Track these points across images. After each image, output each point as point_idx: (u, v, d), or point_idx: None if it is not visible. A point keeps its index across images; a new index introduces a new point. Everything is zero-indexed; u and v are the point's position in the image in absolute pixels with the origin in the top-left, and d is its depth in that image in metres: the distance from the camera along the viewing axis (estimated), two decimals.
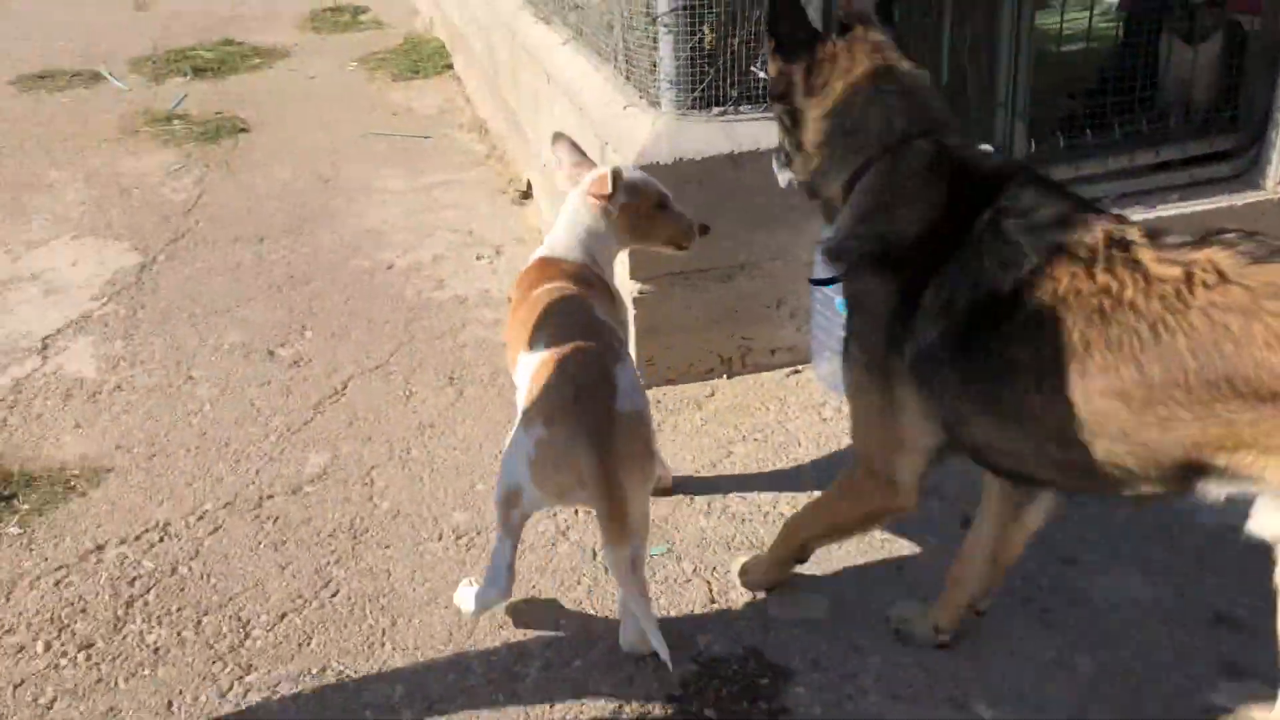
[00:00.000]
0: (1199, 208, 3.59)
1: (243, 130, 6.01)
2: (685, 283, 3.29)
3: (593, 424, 2.15)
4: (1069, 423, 1.86)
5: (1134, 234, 1.88)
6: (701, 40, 3.08)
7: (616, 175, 2.55)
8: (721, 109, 3.19)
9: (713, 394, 3.39)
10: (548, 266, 2.60)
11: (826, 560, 2.67)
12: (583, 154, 2.73)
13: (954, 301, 1.96)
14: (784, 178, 2.36)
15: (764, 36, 2.34)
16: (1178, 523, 2.74)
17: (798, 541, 2.49)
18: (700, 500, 2.92)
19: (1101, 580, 2.59)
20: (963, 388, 1.99)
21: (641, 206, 2.63)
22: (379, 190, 5.13)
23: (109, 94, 6.81)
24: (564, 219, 2.66)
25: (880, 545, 2.72)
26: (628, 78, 3.43)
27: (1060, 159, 3.50)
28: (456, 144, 5.70)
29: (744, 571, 2.60)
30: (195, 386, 3.56)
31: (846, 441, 3.09)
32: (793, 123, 2.21)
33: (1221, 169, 3.71)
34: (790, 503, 2.87)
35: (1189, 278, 1.76)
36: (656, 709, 2.30)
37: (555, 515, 2.87)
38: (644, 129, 3.18)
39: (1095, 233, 1.88)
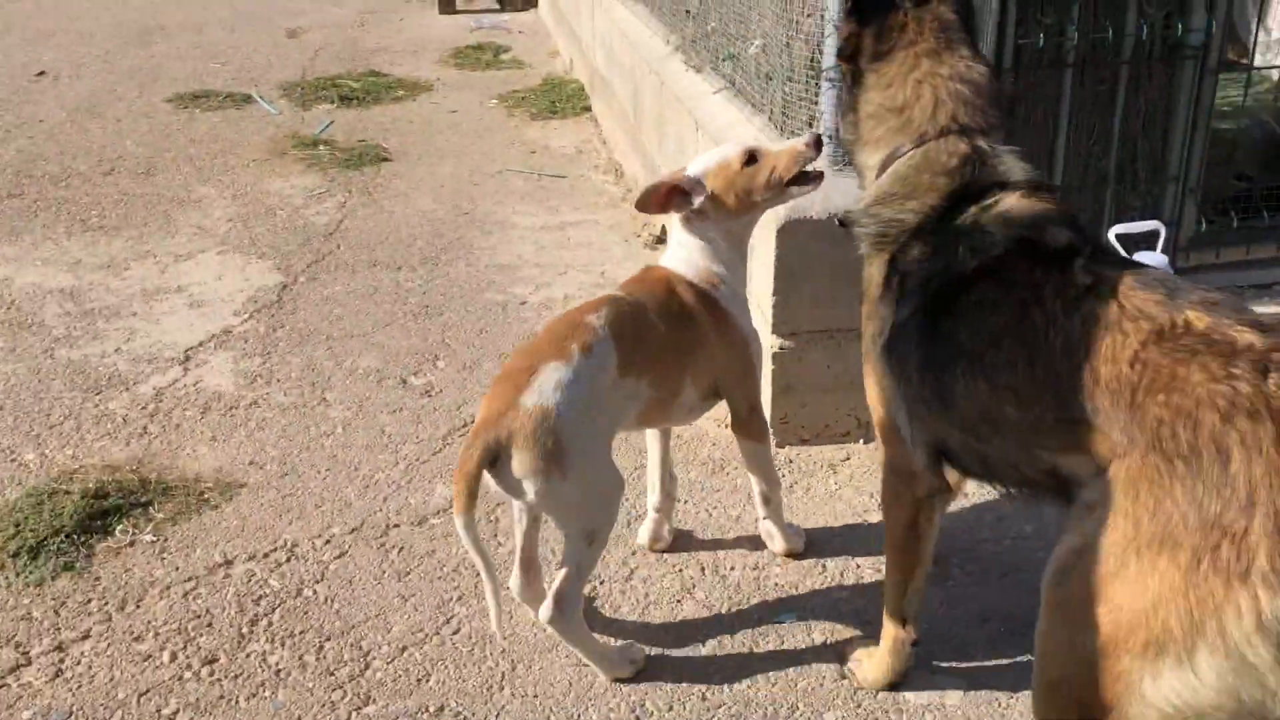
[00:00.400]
0: None
1: (385, 159, 6.13)
2: (827, 340, 3.21)
3: (485, 415, 2.22)
4: (979, 411, 1.92)
5: (1088, 247, 1.92)
6: None
7: (683, 181, 2.56)
8: None
9: (848, 458, 3.29)
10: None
11: (963, 647, 2.55)
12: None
13: (927, 284, 2.02)
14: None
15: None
16: None
17: (893, 605, 2.37)
18: (833, 568, 2.82)
19: None
20: (922, 371, 2.03)
21: (726, 183, 2.56)
22: (514, 225, 5.17)
23: (259, 116, 7.04)
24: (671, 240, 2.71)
25: (1020, 632, 2.58)
26: (782, 129, 3.39)
27: (1233, 239, 3.34)
28: (592, 185, 5.73)
29: (864, 676, 2.44)
30: (329, 409, 3.60)
31: (987, 518, 2.98)
32: (854, 83, 2.23)
33: None
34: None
35: (1091, 288, 1.78)
36: None
37: (680, 572, 2.80)
38: None
39: (1060, 238, 1.91)
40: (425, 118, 7.00)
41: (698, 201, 2.56)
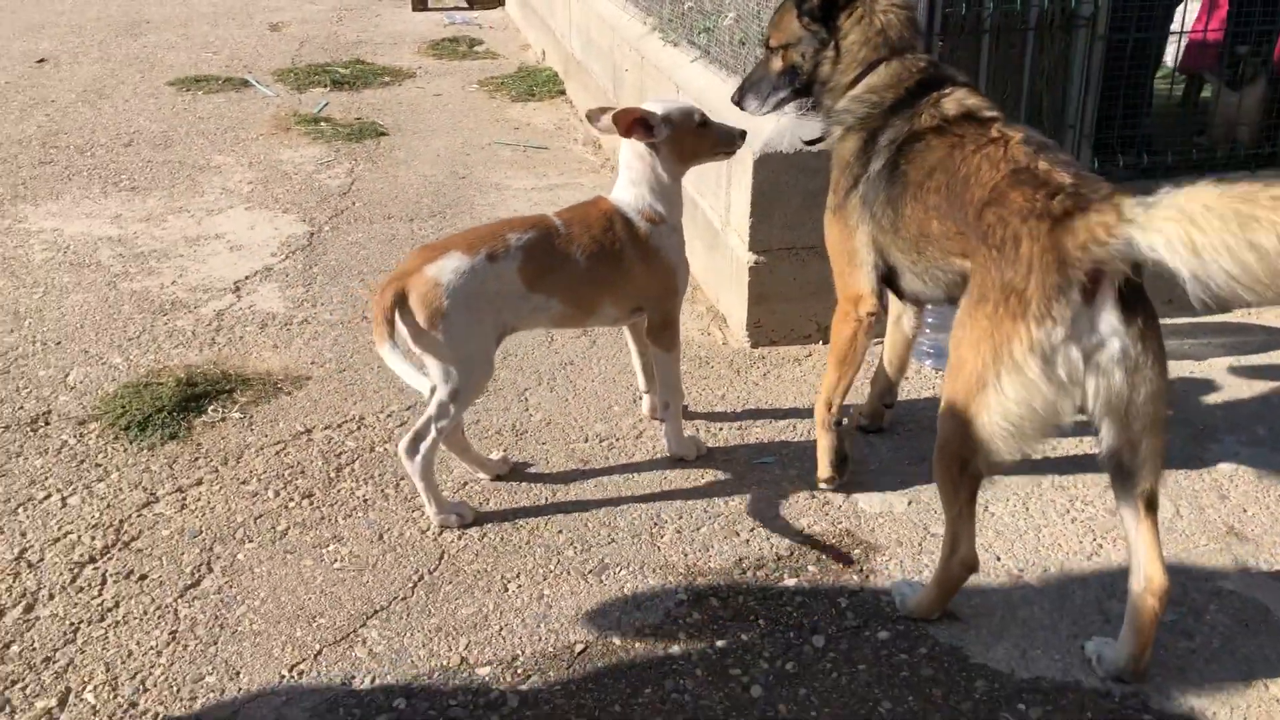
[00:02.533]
0: None
1: (382, 134, 6.75)
2: (793, 257, 3.91)
3: (400, 270, 2.91)
4: (918, 229, 2.67)
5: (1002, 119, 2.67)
6: None
7: (651, 115, 3.05)
8: None
9: (810, 355, 3.98)
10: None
11: (905, 479, 3.26)
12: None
13: (894, 140, 2.77)
14: (774, 100, 3.14)
15: None
16: None
17: (826, 396, 3.11)
18: (802, 428, 3.51)
19: None
20: (884, 205, 2.78)
21: (684, 133, 3.11)
22: (508, 187, 5.82)
23: (257, 98, 7.60)
24: (621, 167, 3.19)
25: None
26: None
27: (1119, 177, 4.09)
28: (573, 155, 6.39)
29: (819, 475, 3.18)
30: (371, 325, 4.21)
31: (924, 393, 3.70)
32: (829, 34, 2.95)
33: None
34: None
35: (994, 140, 2.54)
36: (769, 563, 2.89)
37: (744, 429, 3.48)
38: (769, 124, 3.82)
39: (992, 113, 2.69)
40: (413, 100, 7.62)
41: (661, 136, 3.06)
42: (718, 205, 4.24)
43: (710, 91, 4.38)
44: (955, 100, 2.74)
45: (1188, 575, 2.84)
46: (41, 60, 8.58)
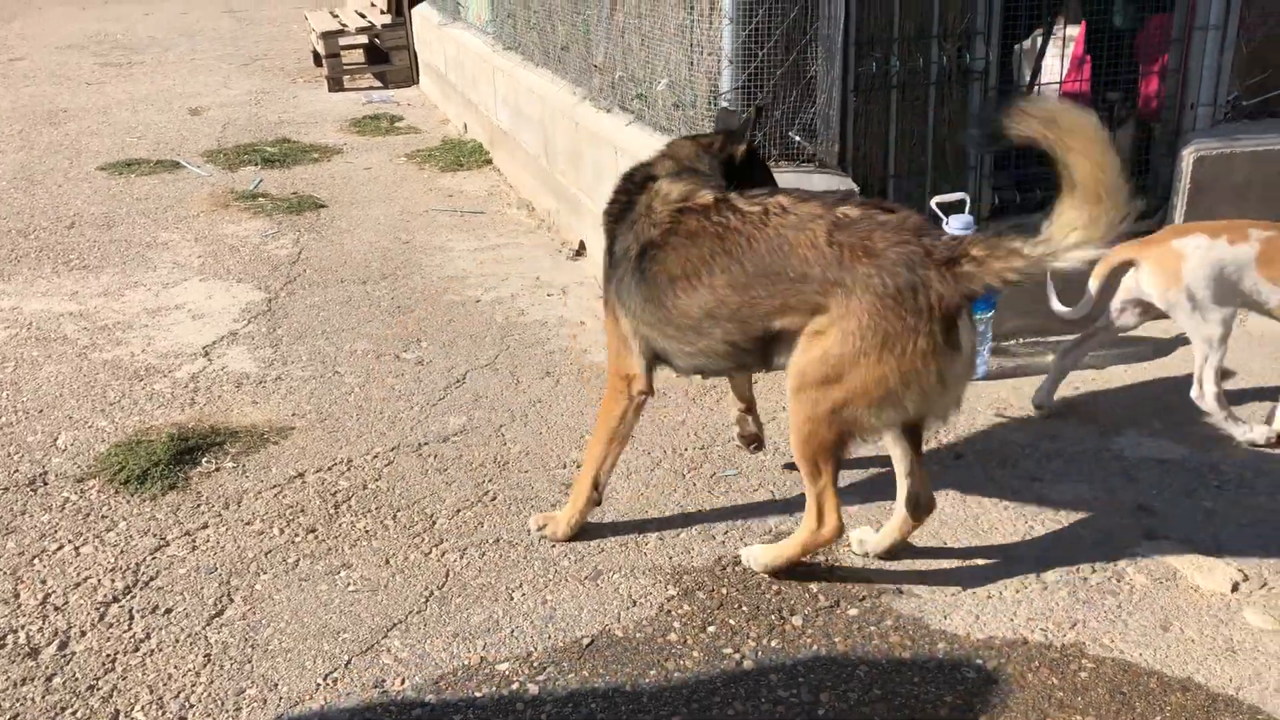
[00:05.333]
0: None
1: (321, 206, 7.01)
2: None
3: (1138, 241, 3.75)
4: (704, 311, 2.88)
5: (732, 195, 2.93)
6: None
7: None
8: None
9: (757, 381, 4.35)
10: None
11: (848, 480, 3.63)
12: None
13: (629, 250, 3.02)
14: None
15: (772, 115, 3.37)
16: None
17: (592, 476, 3.24)
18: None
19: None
20: (643, 306, 3.00)
21: None
22: (452, 249, 6.13)
23: (191, 179, 7.80)
24: None
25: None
26: None
27: (1016, 210, 4.59)
28: (508, 218, 6.74)
29: (553, 530, 3.31)
30: (343, 377, 4.47)
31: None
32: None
33: (1137, 225, 4.82)
34: None
35: (766, 210, 2.83)
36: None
37: (648, 454, 3.79)
38: None
39: (707, 197, 2.94)
40: (345, 174, 7.90)
41: None
42: None
43: (649, 149, 4.78)
44: (660, 200, 3.01)
45: (1109, 544, 3.26)
46: None
